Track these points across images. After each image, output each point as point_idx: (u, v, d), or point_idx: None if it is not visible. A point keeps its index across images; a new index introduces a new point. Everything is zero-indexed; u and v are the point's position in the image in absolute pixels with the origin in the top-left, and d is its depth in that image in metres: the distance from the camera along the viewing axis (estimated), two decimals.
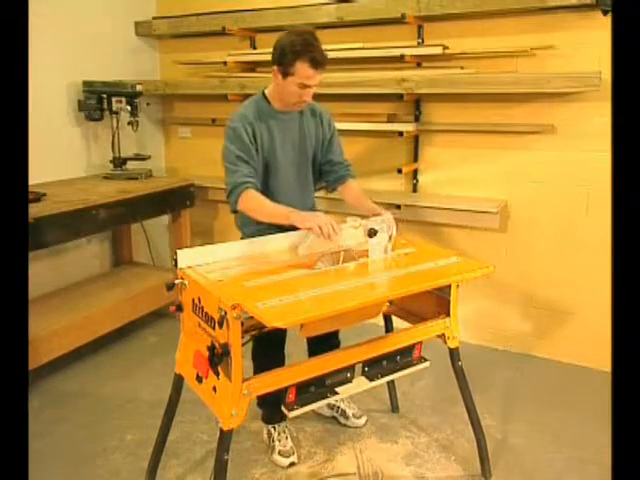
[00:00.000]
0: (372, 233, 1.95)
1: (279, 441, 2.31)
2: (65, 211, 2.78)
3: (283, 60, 2.01)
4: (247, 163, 2.07)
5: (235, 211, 2.11)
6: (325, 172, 2.34)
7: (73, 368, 3.04)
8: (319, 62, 2.00)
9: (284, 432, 2.34)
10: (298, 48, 1.97)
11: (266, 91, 2.20)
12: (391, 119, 3.32)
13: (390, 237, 2.01)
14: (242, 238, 2.23)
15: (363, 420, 2.54)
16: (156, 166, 4.00)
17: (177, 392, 2.02)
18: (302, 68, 1.99)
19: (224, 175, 2.11)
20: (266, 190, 2.14)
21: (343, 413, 2.53)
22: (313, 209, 2.30)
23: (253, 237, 2.08)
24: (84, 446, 2.40)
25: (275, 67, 2.06)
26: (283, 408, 1.77)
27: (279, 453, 2.28)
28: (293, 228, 2.00)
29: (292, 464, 2.26)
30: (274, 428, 2.35)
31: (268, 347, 2.22)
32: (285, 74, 2.03)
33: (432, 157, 3.29)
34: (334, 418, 2.56)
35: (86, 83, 3.43)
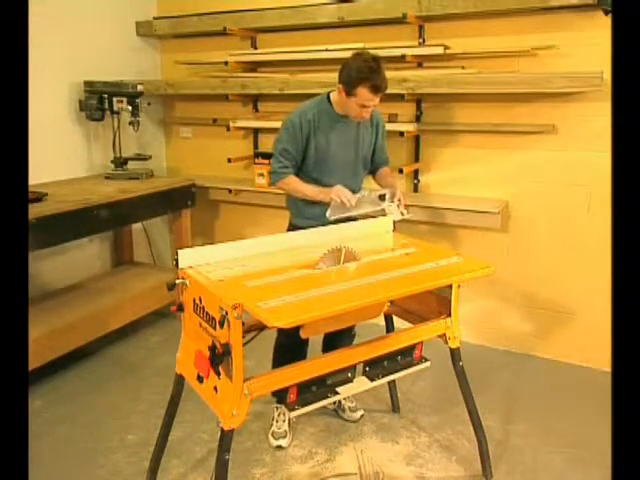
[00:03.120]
0: (381, 198, 2.37)
1: (276, 422, 2.45)
2: (66, 211, 2.78)
3: (348, 82, 2.23)
4: (290, 155, 2.37)
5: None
6: (372, 170, 2.63)
7: (74, 368, 3.04)
8: (379, 88, 2.21)
9: (284, 414, 2.45)
10: (362, 75, 2.19)
11: (331, 94, 2.40)
12: (392, 119, 3.32)
13: (399, 202, 2.36)
14: (292, 223, 2.53)
15: (358, 414, 2.57)
16: (157, 166, 4.00)
17: (178, 392, 2.02)
18: (363, 92, 2.20)
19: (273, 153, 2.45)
20: (317, 182, 2.39)
21: (339, 405, 2.59)
22: None
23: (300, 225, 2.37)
24: (85, 446, 2.40)
25: (340, 85, 2.27)
26: (284, 408, 1.77)
27: (272, 434, 2.42)
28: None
29: (279, 447, 2.37)
30: (276, 408, 2.46)
31: (288, 349, 2.39)
32: (348, 94, 2.25)
33: (433, 157, 3.29)
34: (334, 410, 2.61)
35: (87, 83, 3.44)
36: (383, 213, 2.37)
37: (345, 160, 2.43)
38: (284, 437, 2.40)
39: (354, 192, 2.35)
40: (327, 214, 2.27)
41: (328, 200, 2.29)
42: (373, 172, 2.61)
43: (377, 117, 2.51)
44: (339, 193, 2.28)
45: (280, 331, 2.33)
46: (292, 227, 2.47)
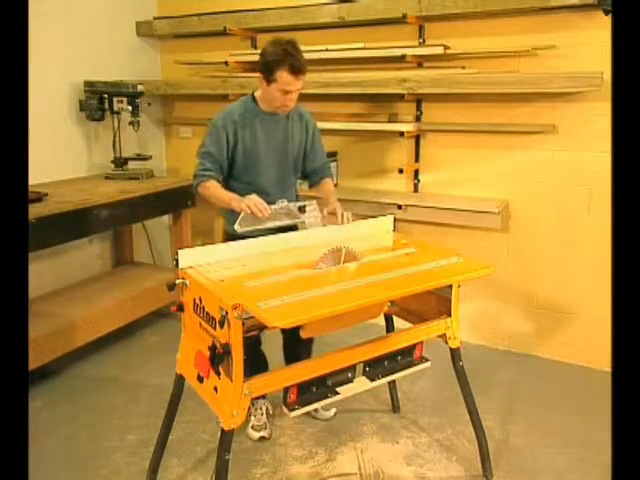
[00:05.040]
0: (301, 209, 2.29)
1: (254, 416, 2.47)
2: (66, 211, 2.78)
3: (265, 69, 2.18)
4: (212, 158, 2.29)
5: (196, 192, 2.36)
6: (308, 175, 2.54)
7: (74, 368, 3.04)
8: (298, 69, 2.15)
9: (261, 408, 2.49)
10: (278, 58, 2.14)
11: (256, 93, 2.34)
12: (392, 119, 3.32)
13: (342, 216, 2.27)
14: (226, 231, 2.40)
15: (332, 412, 2.60)
16: (157, 166, 4.00)
17: (178, 392, 2.02)
18: (283, 75, 2.15)
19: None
20: (249, 186, 2.30)
21: None
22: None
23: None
24: (85, 446, 2.40)
25: (260, 75, 2.22)
26: (284, 408, 1.77)
27: (252, 427, 2.46)
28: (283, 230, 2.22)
29: (262, 438, 2.42)
30: (252, 404, 2.42)
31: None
32: (268, 81, 2.19)
33: (433, 157, 3.29)
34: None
35: (87, 83, 3.44)
36: (302, 226, 2.30)
37: (275, 160, 2.35)
38: (265, 429, 2.45)
39: (285, 195, 2.31)
40: (235, 226, 2.17)
41: (239, 210, 2.17)
42: (313, 181, 2.53)
43: (306, 116, 2.45)
44: (250, 203, 2.14)
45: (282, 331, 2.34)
46: (227, 236, 2.32)
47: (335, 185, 3.54)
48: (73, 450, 2.37)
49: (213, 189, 2.28)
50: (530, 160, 3.03)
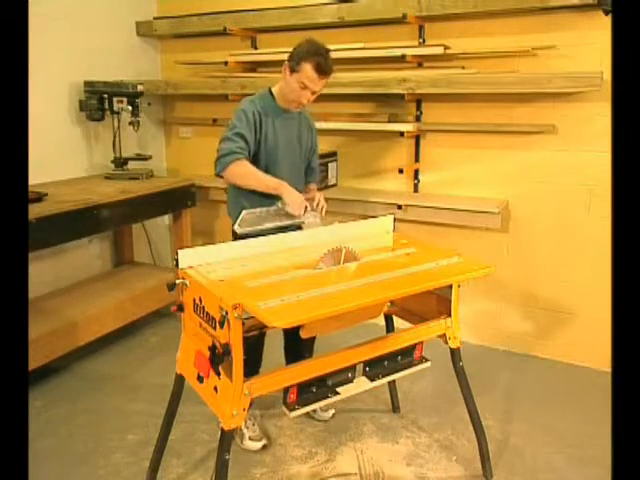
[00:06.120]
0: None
1: (247, 428, 2.39)
2: (66, 211, 2.78)
3: (295, 57, 2.23)
4: (245, 141, 2.24)
5: (218, 174, 2.27)
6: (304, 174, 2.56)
7: (74, 368, 3.04)
8: (323, 68, 2.20)
9: (250, 420, 2.42)
10: (311, 51, 2.20)
11: (273, 89, 2.37)
12: (392, 119, 3.32)
13: (320, 210, 2.33)
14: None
15: (330, 413, 2.58)
16: (157, 166, 4.01)
17: (178, 392, 2.02)
18: (307, 68, 2.19)
19: (219, 142, 2.26)
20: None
21: None
22: None
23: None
24: (85, 446, 2.40)
25: (287, 62, 2.26)
26: (284, 408, 1.77)
27: (250, 439, 2.38)
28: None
29: (265, 446, 2.36)
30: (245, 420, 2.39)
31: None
32: (292, 70, 2.23)
33: (433, 157, 3.29)
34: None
35: (87, 83, 3.44)
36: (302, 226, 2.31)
37: (290, 156, 2.39)
38: (262, 437, 2.39)
39: (297, 190, 2.29)
40: (235, 227, 2.16)
41: (290, 202, 2.19)
42: (306, 181, 2.56)
43: (308, 115, 2.50)
44: (299, 201, 2.20)
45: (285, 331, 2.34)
46: (236, 236, 2.25)
47: (335, 185, 3.56)
48: (73, 450, 2.37)
49: (252, 168, 2.23)
50: (530, 160, 3.03)
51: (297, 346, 2.45)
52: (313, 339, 2.48)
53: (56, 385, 2.88)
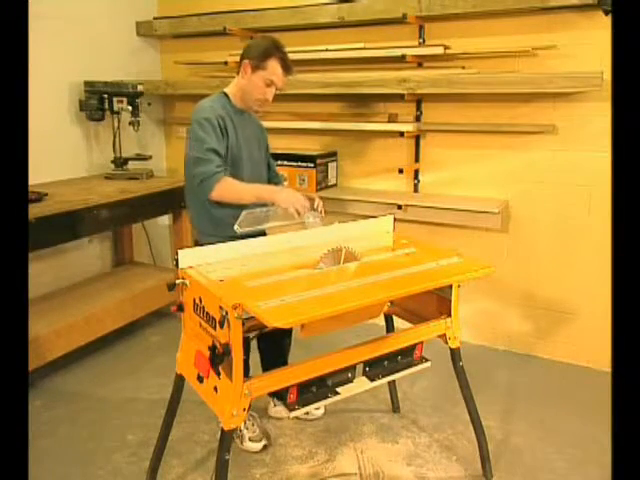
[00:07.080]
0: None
1: (247, 429, 2.37)
2: (66, 211, 2.78)
3: (258, 55, 2.18)
4: (218, 155, 2.16)
5: (206, 199, 2.17)
6: (269, 178, 2.53)
7: (74, 368, 3.04)
8: (288, 66, 2.20)
9: (249, 420, 2.39)
10: (274, 47, 2.18)
11: (227, 90, 2.32)
12: (392, 119, 3.32)
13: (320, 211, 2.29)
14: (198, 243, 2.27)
15: (320, 412, 2.58)
16: (157, 166, 4.00)
17: (178, 392, 2.02)
18: (274, 65, 2.18)
19: (191, 165, 2.16)
20: None
21: None
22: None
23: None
24: (85, 446, 2.40)
25: (246, 61, 2.20)
26: (284, 408, 1.77)
27: (250, 439, 2.36)
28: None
29: (265, 447, 2.35)
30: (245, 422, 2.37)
31: None
32: (256, 67, 2.18)
33: (433, 157, 3.29)
34: None
35: (87, 83, 3.44)
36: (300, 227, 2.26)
37: (252, 156, 2.35)
38: (263, 438, 2.37)
39: None
40: (235, 227, 2.12)
41: (286, 206, 2.12)
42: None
43: (260, 122, 2.48)
44: (297, 203, 2.12)
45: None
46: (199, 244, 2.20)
47: (335, 185, 3.56)
48: (73, 450, 2.37)
49: (239, 184, 2.16)
50: (530, 160, 3.03)
51: (274, 349, 2.47)
52: (288, 341, 2.49)
53: (56, 385, 2.88)
